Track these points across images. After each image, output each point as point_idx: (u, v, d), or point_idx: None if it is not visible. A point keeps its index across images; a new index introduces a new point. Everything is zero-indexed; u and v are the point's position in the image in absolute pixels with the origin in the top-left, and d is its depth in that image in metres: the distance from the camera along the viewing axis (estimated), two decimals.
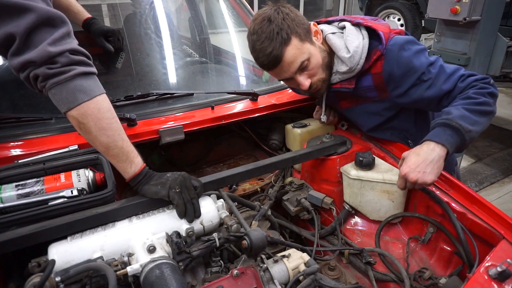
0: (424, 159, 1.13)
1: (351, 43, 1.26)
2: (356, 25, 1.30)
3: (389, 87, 1.30)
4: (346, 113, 1.57)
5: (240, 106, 1.66)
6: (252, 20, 1.24)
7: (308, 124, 1.68)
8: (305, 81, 1.26)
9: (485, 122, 1.21)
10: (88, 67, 0.96)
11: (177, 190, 1.04)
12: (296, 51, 1.19)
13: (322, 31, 1.32)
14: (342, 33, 1.32)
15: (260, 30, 1.17)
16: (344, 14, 9.71)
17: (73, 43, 0.94)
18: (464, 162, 3.84)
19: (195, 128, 1.49)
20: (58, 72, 0.90)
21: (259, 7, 8.30)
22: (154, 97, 1.59)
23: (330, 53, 1.33)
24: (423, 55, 1.25)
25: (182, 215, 1.05)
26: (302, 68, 1.24)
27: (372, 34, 1.27)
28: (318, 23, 1.39)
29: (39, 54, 0.87)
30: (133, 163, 1.06)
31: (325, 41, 1.33)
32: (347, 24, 1.31)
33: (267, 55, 1.18)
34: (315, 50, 1.25)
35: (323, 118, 1.51)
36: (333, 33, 1.31)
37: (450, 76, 1.24)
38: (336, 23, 1.37)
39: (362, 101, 1.41)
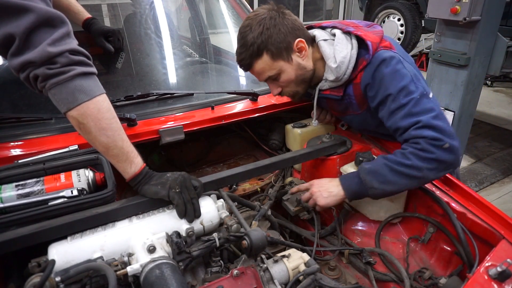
0: (327, 188, 1.29)
1: (339, 53, 1.25)
2: (347, 33, 1.29)
3: (367, 98, 1.29)
4: (340, 118, 1.60)
5: (240, 106, 1.67)
6: (248, 15, 1.27)
7: (308, 124, 1.68)
8: (274, 89, 1.34)
9: (405, 183, 1.17)
10: (88, 67, 0.96)
11: (177, 190, 1.04)
12: (264, 66, 1.25)
13: (315, 37, 1.32)
14: (334, 40, 1.30)
15: (242, 34, 1.23)
16: (344, 14, 9.73)
17: (73, 43, 0.94)
18: (464, 162, 3.84)
19: (195, 128, 1.49)
20: (57, 72, 0.90)
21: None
22: (154, 97, 1.59)
23: (321, 60, 1.32)
24: (401, 77, 1.18)
25: (182, 215, 1.05)
26: (273, 79, 1.30)
27: (361, 43, 1.25)
28: (312, 27, 1.39)
29: (39, 54, 0.87)
30: (133, 163, 1.05)
31: (317, 48, 1.32)
32: (337, 32, 1.30)
33: (239, 60, 1.28)
34: (289, 67, 1.27)
35: (315, 122, 1.52)
36: (325, 39, 1.30)
37: (412, 115, 1.16)
38: (329, 30, 1.35)
39: (350, 112, 1.41)
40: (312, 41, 1.33)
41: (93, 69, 0.98)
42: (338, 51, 1.26)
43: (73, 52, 0.93)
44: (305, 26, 1.35)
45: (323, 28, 1.37)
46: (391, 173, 1.16)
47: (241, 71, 2.09)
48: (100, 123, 0.97)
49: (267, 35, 1.19)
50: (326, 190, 1.28)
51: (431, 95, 1.20)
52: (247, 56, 1.23)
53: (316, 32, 1.33)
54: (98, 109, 0.96)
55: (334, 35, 1.31)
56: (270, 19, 1.21)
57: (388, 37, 1.33)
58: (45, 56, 0.88)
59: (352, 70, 1.26)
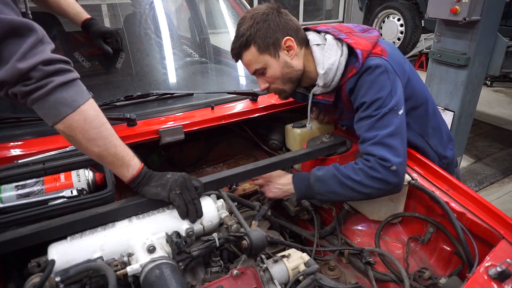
0: (280, 183, 1.39)
1: (327, 59, 1.26)
2: (338, 39, 1.28)
3: (352, 102, 1.30)
4: (337, 123, 1.62)
5: (240, 106, 1.67)
6: (247, 10, 1.33)
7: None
8: (261, 84, 1.36)
9: (350, 196, 1.24)
10: (66, 74, 0.88)
11: (178, 192, 1.04)
12: (251, 57, 1.28)
13: (309, 41, 1.32)
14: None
15: (237, 26, 1.29)
16: (344, 14, 9.72)
17: (46, 52, 0.85)
18: (464, 162, 3.85)
19: (195, 128, 1.49)
20: (34, 88, 0.83)
21: None
22: (154, 97, 1.59)
23: (314, 64, 1.32)
24: (379, 88, 1.19)
25: (184, 215, 1.05)
26: (261, 73, 1.33)
27: (352, 50, 1.25)
28: (308, 29, 1.39)
29: (10, 73, 0.80)
30: (129, 166, 1.03)
31: (310, 51, 1.32)
32: (328, 37, 1.30)
33: (231, 49, 1.33)
34: (275, 64, 1.28)
35: (309, 127, 1.53)
36: (317, 44, 1.30)
37: (374, 128, 1.19)
38: (322, 34, 1.35)
39: (344, 117, 1.43)
40: (306, 43, 1.33)
41: (73, 75, 0.90)
42: (327, 57, 1.26)
43: (46, 62, 0.84)
44: (287, 37, 1.34)
45: (318, 32, 1.37)
46: (338, 185, 1.23)
47: (241, 71, 2.11)
48: (89, 133, 0.92)
49: (256, 28, 1.24)
50: (278, 184, 1.38)
51: (400, 112, 1.21)
52: (237, 46, 1.29)
53: (310, 36, 1.33)
54: (84, 119, 0.91)
55: (325, 39, 1.31)
56: (262, 15, 1.25)
57: (385, 42, 1.32)
58: (16, 74, 0.81)
59: (340, 77, 1.26)
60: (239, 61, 1.34)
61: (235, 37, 1.30)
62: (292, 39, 1.27)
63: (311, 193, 1.29)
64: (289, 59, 1.29)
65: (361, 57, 1.21)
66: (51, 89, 0.85)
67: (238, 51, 1.30)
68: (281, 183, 1.38)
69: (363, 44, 1.24)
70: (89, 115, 0.92)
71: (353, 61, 1.24)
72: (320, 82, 1.30)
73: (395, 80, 1.22)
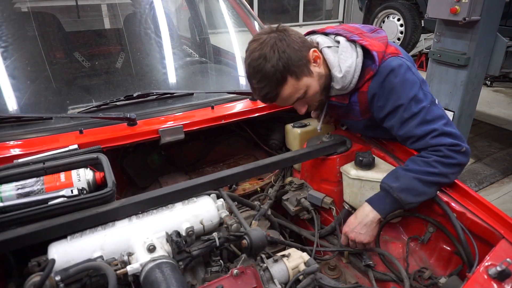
0: (359, 222, 1.24)
1: (344, 62, 1.23)
2: (352, 41, 1.26)
3: (371, 108, 1.29)
4: (339, 120, 1.62)
5: (240, 106, 1.67)
6: (249, 46, 1.19)
7: (308, 124, 1.69)
8: (302, 108, 1.31)
9: (434, 191, 1.21)
10: None
11: None
12: (292, 89, 1.19)
13: (318, 44, 1.30)
14: (337, 47, 1.28)
15: (257, 68, 1.15)
16: (344, 14, 9.73)
17: None
18: None
19: (195, 128, 1.49)
20: None
21: (259, 7, 8.30)
22: (154, 96, 1.59)
23: (325, 65, 1.29)
24: (411, 86, 1.19)
25: None
26: (299, 98, 1.25)
27: (367, 52, 1.23)
28: (314, 32, 1.37)
29: None
30: None
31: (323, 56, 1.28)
32: (341, 39, 1.27)
33: (262, 96, 1.22)
34: (313, 81, 1.23)
35: (319, 128, 1.50)
36: (328, 46, 1.27)
37: (426, 123, 1.19)
38: (332, 36, 1.32)
39: (350, 117, 1.41)
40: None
41: None
42: (343, 60, 1.23)
43: None
44: (306, 32, 1.32)
45: (326, 34, 1.35)
46: (422, 184, 1.18)
47: (241, 71, 2.11)
48: None
49: (285, 58, 1.14)
50: (360, 227, 1.23)
51: (437, 101, 1.24)
52: (272, 88, 1.17)
53: (319, 39, 1.30)
54: None
55: (337, 42, 1.29)
56: (280, 41, 1.15)
57: (390, 42, 1.31)
58: None
59: (358, 79, 1.24)
60: (272, 102, 1.25)
61: (260, 80, 1.16)
62: (315, 49, 1.23)
63: (399, 205, 1.21)
64: (319, 68, 1.24)
65: (378, 59, 1.20)
66: None
67: (275, 93, 1.19)
68: (361, 221, 1.23)
69: (377, 45, 1.23)
70: None
71: (369, 63, 1.23)
72: (337, 85, 1.27)
73: (417, 73, 1.23)
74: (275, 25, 1.21)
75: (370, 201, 1.25)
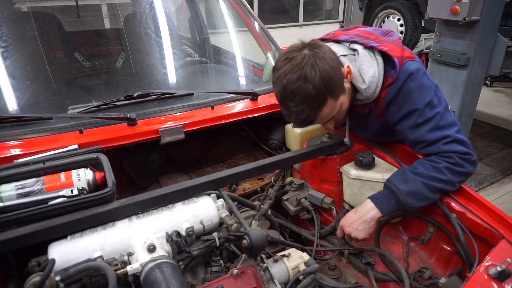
0: (358, 218, 1.22)
1: (366, 73, 1.19)
2: (369, 48, 1.22)
3: (386, 112, 1.27)
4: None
5: (240, 106, 1.67)
6: (280, 65, 1.11)
7: None
8: (331, 125, 1.28)
9: (438, 197, 1.20)
10: None
11: None
12: (329, 110, 1.15)
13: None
14: (354, 55, 1.23)
15: (296, 90, 1.07)
16: (344, 14, 9.72)
17: None
18: None
19: (195, 128, 1.49)
20: None
21: (259, 7, 8.28)
22: (154, 96, 1.59)
23: None
24: (427, 91, 1.18)
25: None
26: (333, 117, 1.22)
27: (386, 58, 1.20)
28: (325, 40, 1.33)
29: None
30: None
31: None
32: (358, 47, 1.22)
33: (301, 120, 1.16)
34: (345, 97, 1.19)
35: (348, 142, 1.45)
36: (344, 55, 1.22)
37: (439, 128, 1.17)
38: (347, 44, 1.27)
39: (365, 121, 1.38)
40: None
41: None
42: (364, 70, 1.19)
43: None
44: (317, 39, 1.25)
45: (338, 41, 1.30)
46: (428, 190, 1.17)
47: (241, 71, 2.11)
48: None
49: (326, 78, 1.07)
50: (358, 223, 1.21)
51: (449, 107, 1.23)
52: (312, 110, 1.11)
53: (333, 48, 1.22)
54: None
55: (353, 50, 1.24)
56: (320, 60, 1.07)
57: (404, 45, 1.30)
58: None
59: (381, 88, 1.21)
60: (308, 125, 1.22)
61: (299, 103, 1.09)
62: (348, 64, 1.18)
63: (402, 207, 1.19)
64: (348, 84, 1.19)
65: (398, 65, 1.18)
66: None
67: (313, 117, 1.14)
68: (360, 216, 1.21)
69: (395, 50, 1.20)
70: None
71: (388, 70, 1.20)
72: (360, 96, 1.24)
73: (431, 78, 1.23)
74: (306, 41, 1.14)
75: (373, 198, 1.23)
